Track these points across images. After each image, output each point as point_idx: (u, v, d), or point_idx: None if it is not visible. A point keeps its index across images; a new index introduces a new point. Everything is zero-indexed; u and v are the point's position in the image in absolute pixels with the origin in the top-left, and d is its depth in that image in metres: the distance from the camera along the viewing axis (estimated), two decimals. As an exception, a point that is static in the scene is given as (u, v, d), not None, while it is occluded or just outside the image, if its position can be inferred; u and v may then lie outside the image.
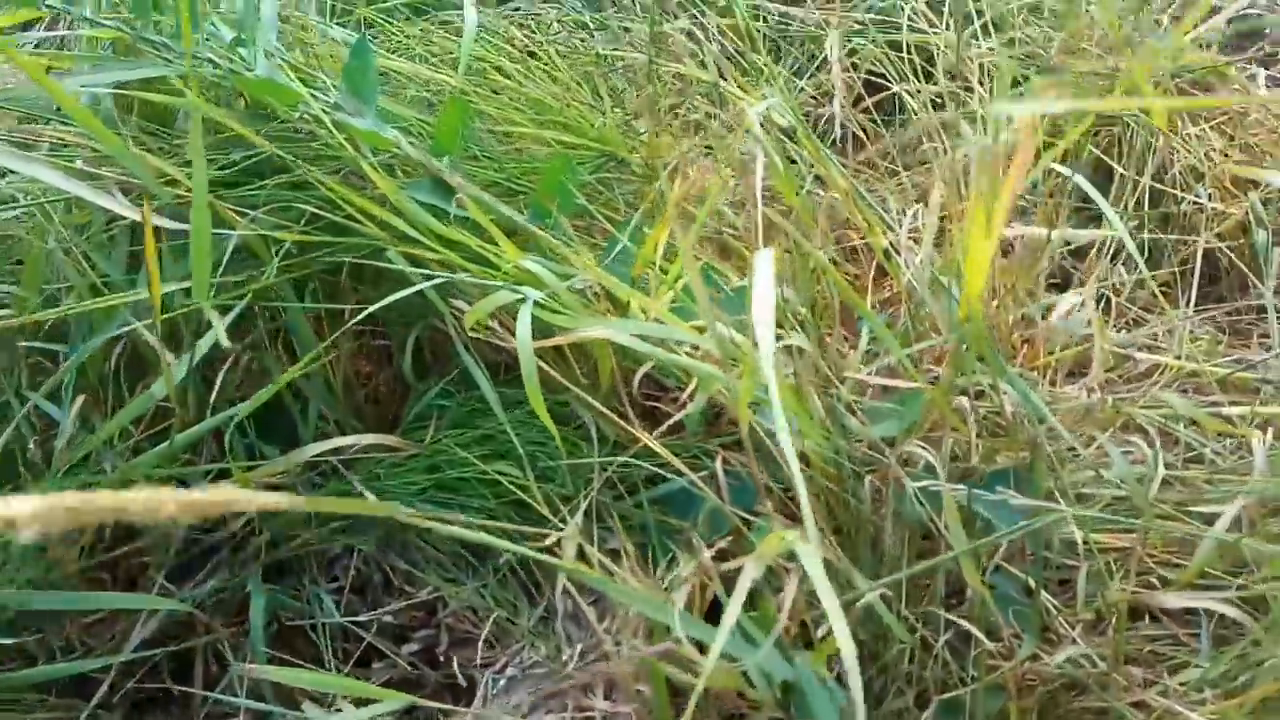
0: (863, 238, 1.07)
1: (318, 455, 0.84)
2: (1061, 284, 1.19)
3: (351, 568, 0.89)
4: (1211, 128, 1.16)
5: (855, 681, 0.48)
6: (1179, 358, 0.90)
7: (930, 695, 0.82)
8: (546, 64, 0.92)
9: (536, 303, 0.75)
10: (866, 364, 0.89)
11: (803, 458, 0.80)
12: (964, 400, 0.81)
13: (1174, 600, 0.66)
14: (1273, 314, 0.94)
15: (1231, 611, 0.64)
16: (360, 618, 0.84)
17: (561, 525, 0.80)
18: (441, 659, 0.88)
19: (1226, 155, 1.16)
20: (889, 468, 0.78)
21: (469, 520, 0.69)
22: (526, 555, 0.64)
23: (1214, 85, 1.19)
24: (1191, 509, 0.80)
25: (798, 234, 0.62)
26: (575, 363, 0.92)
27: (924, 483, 0.73)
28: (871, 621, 0.87)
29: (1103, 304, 1.16)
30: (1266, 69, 1.34)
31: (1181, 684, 0.71)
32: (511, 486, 0.83)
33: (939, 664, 0.87)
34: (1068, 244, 1.21)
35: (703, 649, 0.69)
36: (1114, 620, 0.83)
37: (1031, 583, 0.90)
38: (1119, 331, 1.07)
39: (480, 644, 0.88)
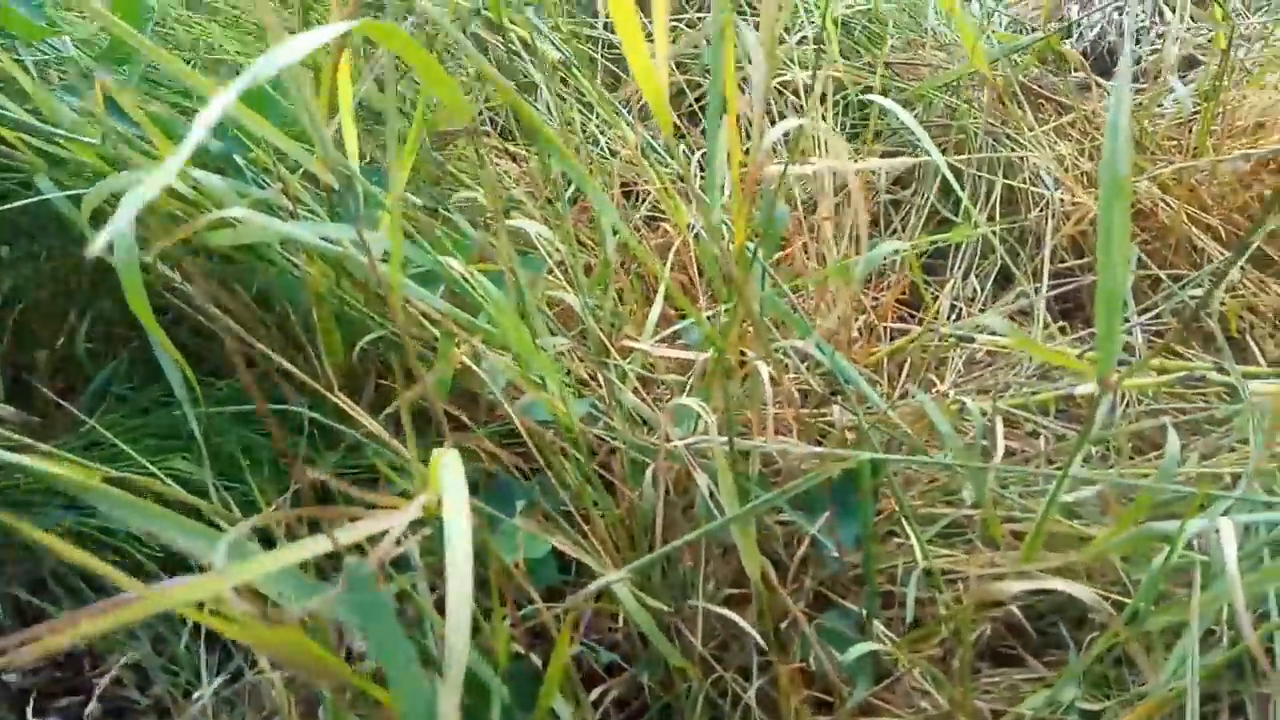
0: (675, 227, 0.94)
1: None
2: (912, 302, 1.07)
3: (-26, 609, 0.66)
4: (1056, 130, 1.08)
5: (457, 642, 0.30)
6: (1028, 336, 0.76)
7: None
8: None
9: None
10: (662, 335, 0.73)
11: (545, 424, 0.63)
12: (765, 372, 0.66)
13: (1017, 586, 0.50)
14: (1130, 297, 0.83)
15: (1083, 594, 0.48)
16: (-39, 670, 0.61)
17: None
18: (90, 734, 0.65)
19: (1077, 164, 1.08)
20: (664, 449, 0.61)
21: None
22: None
23: (1062, 91, 1.13)
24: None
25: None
26: (314, 356, 0.74)
27: (690, 439, 0.56)
28: (658, 665, 0.68)
29: (956, 315, 1.04)
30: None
31: (1033, 710, 0.53)
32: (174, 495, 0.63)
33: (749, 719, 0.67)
34: (921, 254, 1.10)
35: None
36: (960, 654, 0.65)
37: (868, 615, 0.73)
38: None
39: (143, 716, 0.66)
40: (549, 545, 0.60)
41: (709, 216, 0.49)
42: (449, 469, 0.39)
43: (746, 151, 0.61)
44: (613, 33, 1.39)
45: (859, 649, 0.56)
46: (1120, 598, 0.66)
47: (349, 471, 0.67)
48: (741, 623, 0.56)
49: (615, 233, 0.93)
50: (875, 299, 1.03)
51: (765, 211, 0.68)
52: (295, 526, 0.65)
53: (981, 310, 1.01)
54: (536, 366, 0.55)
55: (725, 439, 0.56)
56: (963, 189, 1.10)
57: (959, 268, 1.07)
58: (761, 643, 0.62)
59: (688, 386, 0.79)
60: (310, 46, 0.33)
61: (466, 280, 0.56)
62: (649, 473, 0.64)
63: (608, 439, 0.66)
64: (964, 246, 1.06)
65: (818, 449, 0.55)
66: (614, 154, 0.90)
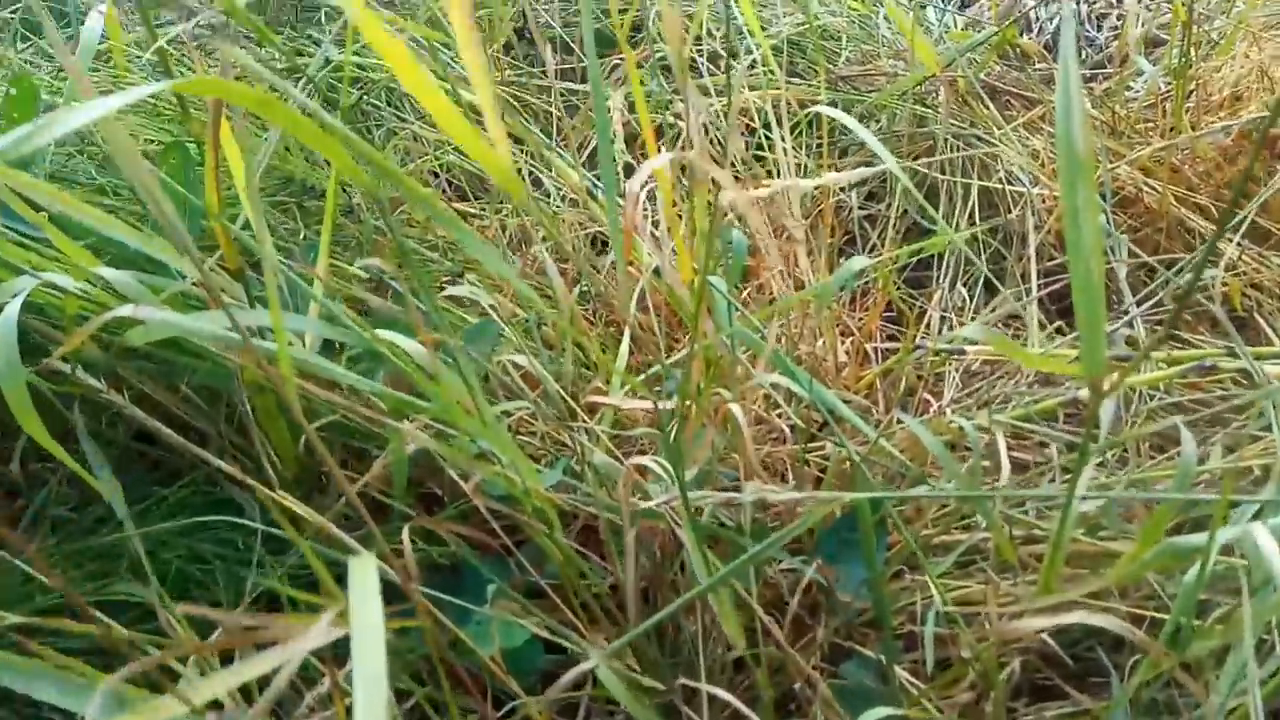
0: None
1: None
2: (896, 317, 1.03)
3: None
4: (1026, 125, 1.04)
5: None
6: (1023, 344, 0.71)
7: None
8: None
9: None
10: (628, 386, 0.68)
11: (507, 499, 0.58)
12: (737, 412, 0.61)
13: (1038, 622, 0.45)
14: (1125, 287, 0.78)
15: (1112, 624, 0.42)
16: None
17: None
18: None
19: (1052, 157, 1.04)
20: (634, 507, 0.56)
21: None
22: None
23: (1027, 85, 1.09)
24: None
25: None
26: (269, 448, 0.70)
27: (660, 499, 0.51)
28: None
29: (947, 327, 0.99)
30: (1086, 84, 1.26)
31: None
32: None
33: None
34: (904, 267, 1.06)
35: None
36: (994, 697, 0.60)
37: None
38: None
39: None
40: (528, 632, 0.55)
41: (620, 264, 0.45)
42: (360, 580, 0.34)
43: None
44: (560, 79, 1.38)
45: (874, 713, 0.51)
46: (1157, 614, 0.61)
47: (306, 571, 0.62)
48: (744, 709, 0.50)
49: (580, 280, 0.89)
50: (861, 319, 0.98)
51: (711, 242, 0.64)
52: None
53: (973, 318, 0.96)
54: (489, 443, 0.50)
55: (698, 494, 0.51)
56: (938, 195, 1.06)
57: (945, 277, 1.02)
58: None
59: (670, 436, 0.74)
60: (112, 107, 0.29)
61: (403, 358, 0.52)
62: (628, 539, 0.59)
63: (581, 506, 0.61)
64: (947, 254, 1.01)
65: (795, 494, 0.50)
66: (571, 202, 0.87)
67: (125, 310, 0.42)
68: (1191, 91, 1.05)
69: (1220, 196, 0.96)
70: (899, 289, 1.04)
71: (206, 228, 0.60)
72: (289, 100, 0.40)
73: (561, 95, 1.29)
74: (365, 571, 0.32)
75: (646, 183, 0.54)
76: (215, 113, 0.40)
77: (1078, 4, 1.25)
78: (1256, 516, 0.44)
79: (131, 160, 0.39)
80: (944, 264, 1.04)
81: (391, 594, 0.45)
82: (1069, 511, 0.41)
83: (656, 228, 0.78)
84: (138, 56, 0.76)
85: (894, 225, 1.07)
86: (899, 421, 0.86)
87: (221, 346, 0.58)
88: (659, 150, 0.53)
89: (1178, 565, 0.42)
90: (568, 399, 0.62)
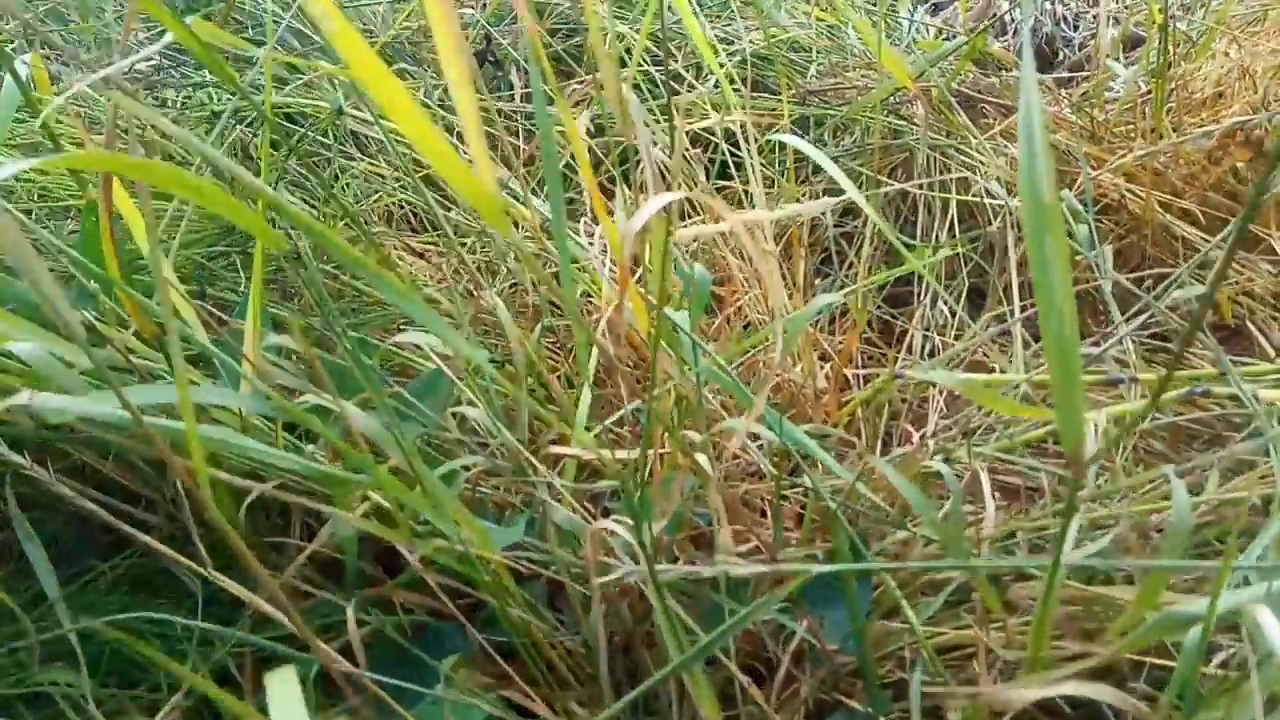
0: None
1: None
2: (884, 339, 0.99)
3: None
4: (1003, 134, 1.01)
5: None
6: (1005, 369, 0.68)
7: None
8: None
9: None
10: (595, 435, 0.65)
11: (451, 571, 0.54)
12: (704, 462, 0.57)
13: (1028, 694, 0.41)
14: (1112, 302, 0.74)
15: (1106, 696, 0.39)
16: None
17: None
18: None
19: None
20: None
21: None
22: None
23: (1002, 92, 1.06)
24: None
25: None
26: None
27: (624, 570, 0.48)
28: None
29: (929, 347, 0.95)
30: (1063, 88, 1.23)
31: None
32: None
33: None
34: (882, 286, 1.02)
35: None
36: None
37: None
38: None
39: None
40: (484, 712, 0.51)
41: (569, 298, 0.41)
42: (281, 696, 0.30)
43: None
44: (528, 102, 1.34)
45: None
46: (1157, 661, 0.57)
47: (270, 637, 0.59)
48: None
49: (545, 316, 0.86)
50: (839, 342, 0.95)
51: (666, 277, 0.61)
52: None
53: (956, 337, 0.93)
54: (431, 517, 0.47)
55: (662, 568, 0.48)
56: (916, 208, 1.02)
57: (926, 294, 0.99)
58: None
59: (636, 492, 0.70)
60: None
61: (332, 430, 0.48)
62: (595, 610, 0.55)
63: (542, 569, 0.58)
64: (927, 271, 0.98)
65: (760, 567, 0.46)
66: (527, 236, 0.83)
67: (22, 398, 0.38)
68: (1172, 91, 1.02)
69: (1206, 200, 0.93)
70: (879, 308, 1.01)
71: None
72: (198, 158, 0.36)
73: (521, 119, 1.26)
74: (288, 688, 0.28)
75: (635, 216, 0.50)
76: (106, 180, 0.36)
77: (1053, 4, 1.22)
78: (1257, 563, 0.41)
79: (13, 240, 0.36)
80: (925, 280, 1.00)
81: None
82: (1053, 586, 0.37)
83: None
84: (71, 104, 0.73)
85: (871, 241, 1.03)
86: (881, 454, 0.83)
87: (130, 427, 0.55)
88: (597, 182, 0.50)
89: (1175, 634, 0.38)
90: (525, 453, 0.58)
